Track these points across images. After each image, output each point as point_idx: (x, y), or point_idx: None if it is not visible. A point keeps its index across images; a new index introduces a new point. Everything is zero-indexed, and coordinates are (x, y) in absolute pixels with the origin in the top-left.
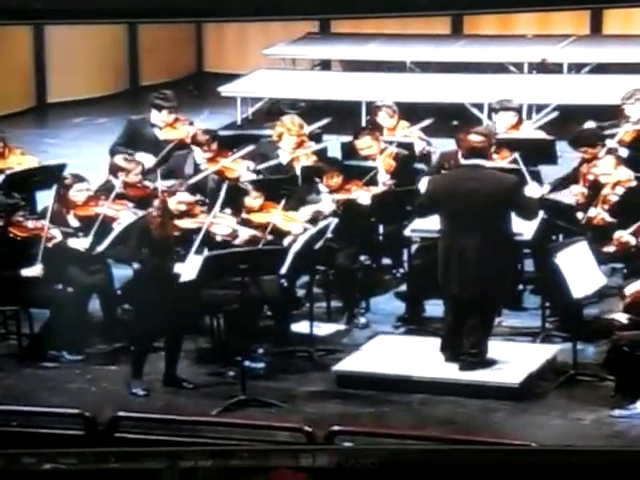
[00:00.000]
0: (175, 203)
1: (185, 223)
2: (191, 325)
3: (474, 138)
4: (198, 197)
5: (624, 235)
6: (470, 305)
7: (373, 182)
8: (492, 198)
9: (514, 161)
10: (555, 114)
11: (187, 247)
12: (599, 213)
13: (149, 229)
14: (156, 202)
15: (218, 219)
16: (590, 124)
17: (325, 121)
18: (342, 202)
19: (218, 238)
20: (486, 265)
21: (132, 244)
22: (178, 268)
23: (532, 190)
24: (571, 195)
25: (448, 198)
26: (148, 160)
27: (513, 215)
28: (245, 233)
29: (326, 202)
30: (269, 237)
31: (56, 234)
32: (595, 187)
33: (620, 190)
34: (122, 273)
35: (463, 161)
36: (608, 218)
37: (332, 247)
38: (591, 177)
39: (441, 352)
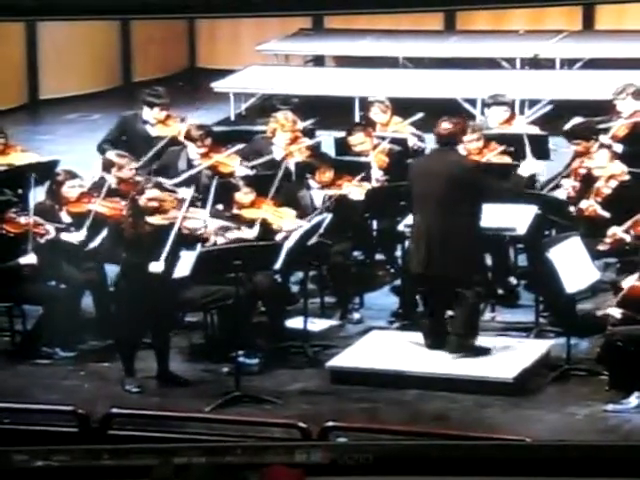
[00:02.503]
0: (145, 200)
1: (157, 220)
2: (177, 322)
3: (442, 125)
4: (170, 193)
5: (618, 232)
6: (439, 286)
7: (367, 178)
8: (451, 179)
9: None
10: (548, 108)
11: (162, 244)
12: (591, 205)
13: (121, 229)
14: (126, 201)
15: (190, 214)
16: (578, 120)
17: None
18: (334, 198)
19: (192, 232)
20: (449, 246)
21: (107, 244)
22: (153, 266)
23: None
24: (563, 189)
25: (416, 179)
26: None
27: (502, 207)
28: (214, 224)
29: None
30: (244, 229)
31: (49, 230)
32: (588, 180)
33: (613, 183)
34: (115, 269)
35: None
36: (600, 210)
37: (326, 243)
38: (583, 171)
39: (423, 338)
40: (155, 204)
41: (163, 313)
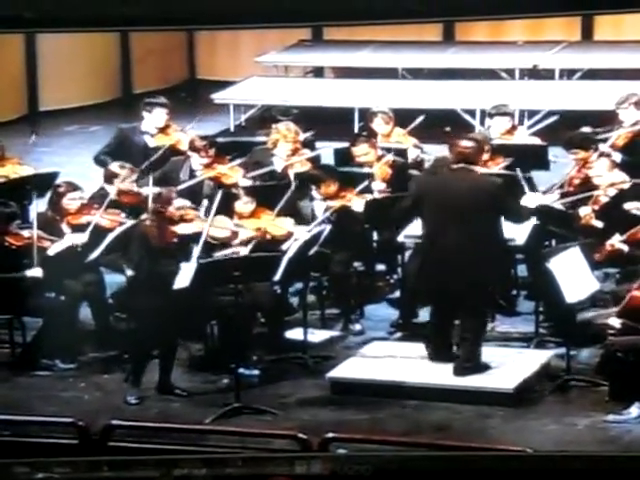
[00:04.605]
0: (174, 209)
1: (183, 229)
2: (186, 332)
3: (464, 144)
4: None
5: (616, 243)
6: (452, 305)
7: (368, 189)
8: (474, 200)
9: (508, 167)
10: (553, 119)
11: (187, 253)
12: (588, 214)
13: (147, 237)
14: (150, 209)
15: (216, 222)
16: (586, 130)
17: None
18: (336, 209)
19: (218, 241)
20: (467, 266)
21: (131, 252)
22: (179, 282)
23: (529, 199)
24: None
25: (433, 198)
26: None
27: (505, 221)
28: (245, 234)
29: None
30: (268, 236)
31: (49, 244)
32: (588, 189)
33: (612, 192)
34: (114, 281)
35: (453, 166)
36: (595, 221)
37: (326, 254)
38: (577, 181)
39: (426, 349)
40: (182, 212)
41: (176, 322)
